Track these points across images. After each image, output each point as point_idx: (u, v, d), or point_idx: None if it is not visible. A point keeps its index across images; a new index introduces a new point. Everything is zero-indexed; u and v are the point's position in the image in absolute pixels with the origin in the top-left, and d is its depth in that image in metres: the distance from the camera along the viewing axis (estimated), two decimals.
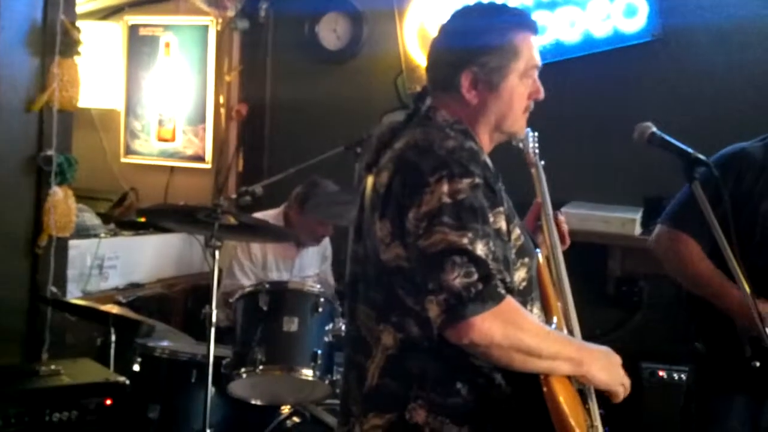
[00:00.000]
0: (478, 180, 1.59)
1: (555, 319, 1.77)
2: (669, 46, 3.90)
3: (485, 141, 1.77)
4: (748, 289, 1.91)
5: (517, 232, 1.72)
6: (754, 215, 2.45)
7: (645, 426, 3.53)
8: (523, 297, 1.70)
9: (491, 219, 1.61)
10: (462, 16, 1.80)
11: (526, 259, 1.75)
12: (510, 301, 1.55)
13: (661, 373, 3.63)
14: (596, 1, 3.96)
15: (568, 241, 2.09)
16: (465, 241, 1.53)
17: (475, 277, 1.51)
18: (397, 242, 1.63)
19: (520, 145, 2.05)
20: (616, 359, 1.70)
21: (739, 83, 3.70)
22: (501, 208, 1.65)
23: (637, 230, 3.75)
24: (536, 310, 1.75)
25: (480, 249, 1.54)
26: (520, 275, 1.71)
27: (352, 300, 1.79)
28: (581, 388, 1.68)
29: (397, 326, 1.65)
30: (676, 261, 2.56)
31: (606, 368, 1.67)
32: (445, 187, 1.56)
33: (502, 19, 1.76)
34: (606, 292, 4.00)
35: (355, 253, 1.78)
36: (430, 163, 1.60)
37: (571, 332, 1.81)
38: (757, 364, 2.42)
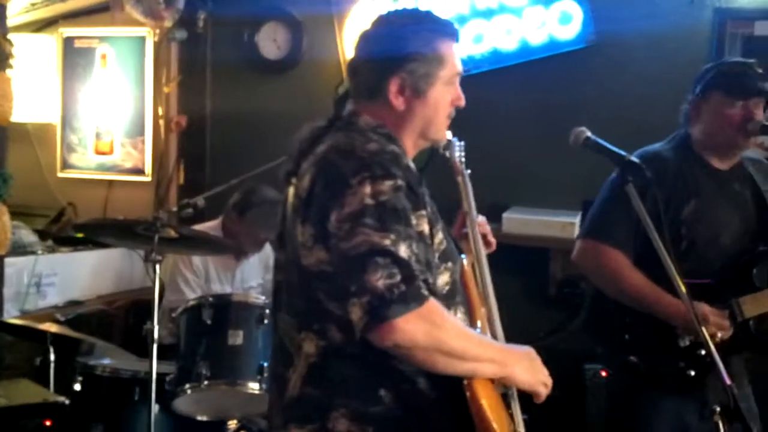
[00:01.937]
0: (400, 182, 1.60)
1: (479, 324, 1.78)
2: (603, 52, 3.98)
3: (408, 146, 1.78)
4: (683, 288, 1.94)
5: (440, 236, 1.72)
6: (677, 221, 2.48)
7: (588, 426, 3.59)
8: (447, 301, 1.69)
9: (414, 221, 1.61)
10: (387, 22, 1.81)
11: (450, 264, 1.74)
12: (433, 303, 1.55)
13: (603, 374, 3.68)
14: (532, 8, 4.03)
15: (493, 243, 2.09)
16: (387, 242, 1.53)
17: (398, 278, 1.51)
18: (319, 246, 1.61)
19: (447, 153, 2.05)
20: (538, 359, 1.72)
21: (672, 88, 3.76)
22: (423, 211, 1.65)
23: (577, 233, 3.81)
24: (460, 314, 1.75)
25: (403, 250, 1.53)
26: (443, 279, 1.71)
27: (275, 309, 1.79)
28: (505, 392, 1.69)
29: (319, 333, 1.64)
30: (605, 274, 2.55)
31: (528, 369, 1.68)
32: (368, 189, 1.56)
33: (427, 27, 1.77)
34: (548, 294, 4.06)
35: (278, 261, 1.79)
36: (352, 165, 1.60)
37: (495, 337, 1.81)
38: (693, 373, 2.46)
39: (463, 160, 2.09)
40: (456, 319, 1.68)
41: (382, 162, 1.61)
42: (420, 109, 1.76)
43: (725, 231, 2.53)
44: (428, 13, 1.83)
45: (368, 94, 1.76)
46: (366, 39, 1.81)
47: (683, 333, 2.45)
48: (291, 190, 1.73)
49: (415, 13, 1.83)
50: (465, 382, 1.58)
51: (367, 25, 1.83)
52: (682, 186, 2.51)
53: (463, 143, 2.09)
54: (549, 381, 1.72)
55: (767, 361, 2.59)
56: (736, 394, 1.86)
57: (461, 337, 1.59)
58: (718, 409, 1.99)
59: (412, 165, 1.72)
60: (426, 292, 1.54)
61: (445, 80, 1.76)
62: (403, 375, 1.62)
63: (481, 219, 2.08)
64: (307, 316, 1.66)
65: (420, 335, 1.51)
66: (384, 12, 1.85)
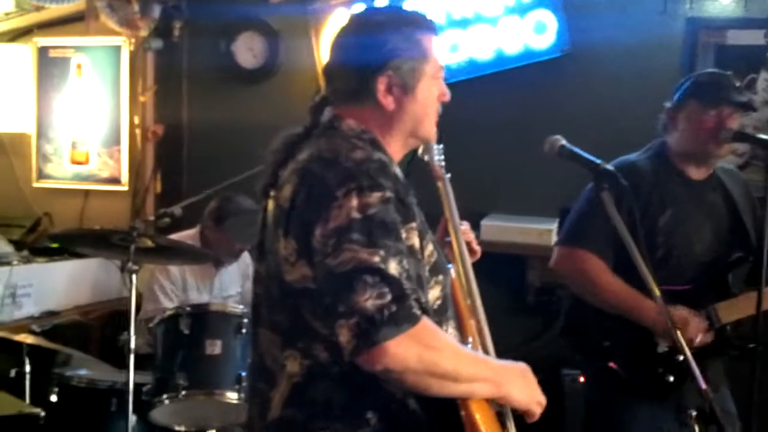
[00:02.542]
0: (388, 193, 1.50)
1: (470, 340, 1.72)
2: (578, 61, 4.01)
3: (396, 150, 1.70)
4: (657, 292, 1.96)
5: (430, 248, 1.63)
6: (654, 230, 2.51)
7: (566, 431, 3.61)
8: (438, 317, 1.62)
9: (404, 235, 1.52)
10: (365, 21, 1.74)
11: (440, 277, 1.66)
12: (426, 323, 1.46)
13: (581, 380, 3.71)
14: (507, 18, 4.05)
15: (478, 251, 2.06)
16: (376, 259, 1.43)
17: (389, 297, 1.41)
18: (302, 261, 1.52)
19: (425, 158, 1.99)
20: (532, 377, 1.65)
21: (645, 96, 3.82)
22: (414, 224, 1.57)
23: (554, 240, 3.83)
24: (451, 329, 1.69)
25: (393, 267, 1.44)
26: (434, 294, 1.63)
27: (254, 324, 1.70)
28: (499, 410, 1.63)
29: (304, 352, 1.55)
30: (583, 280, 2.58)
31: (523, 388, 1.61)
32: (354, 202, 1.47)
33: (406, 22, 1.71)
34: (526, 301, 4.08)
35: (258, 274, 1.70)
36: (336, 175, 1.51)
37: (485, 350, 1.76)
38: (671, 378, 2.49)
39: (443, 164, 2.05)
40: (449, 337, 1.60)
41: (369, 172, 1.52)
42: (410, 107, 1.68)
43: (700, 240, 2.57)
44: (402, 9, 1.79)
45: (352, 96, 1.67)
46: (345, 39, 1.72)
47: (661, 339, 2.48)
48: (270, 199, 1.65)
49: (390, 10, 1.80)
50: (459, 400, 1.52)
51: (343, 25, 1.75)
52: (658, 196, 2.55)
53: (442, 146, 2.05)
54: (543, 400, 1.65)
55: (745, 365, 2.62)
56: (712, 399, 1.88)
57: (455, 358, 1.49)
58: (694, 413, 2.02)
59: (400, 174, 1.64)
60: (418, 312, 1.45)
61: (431, 74, 1.69)
62: (392, 396, 1.54)
63: (465, 226, 2.02)
64: (291, 333, 1.57)
65: (412, 358, 1.42)
66: (358, 12, 1.79)
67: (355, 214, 1.46)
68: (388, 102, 1.66)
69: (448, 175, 2.03)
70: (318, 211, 1.49)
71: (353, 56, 1.68)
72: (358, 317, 1.41)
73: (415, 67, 1.67)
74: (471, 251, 2.00)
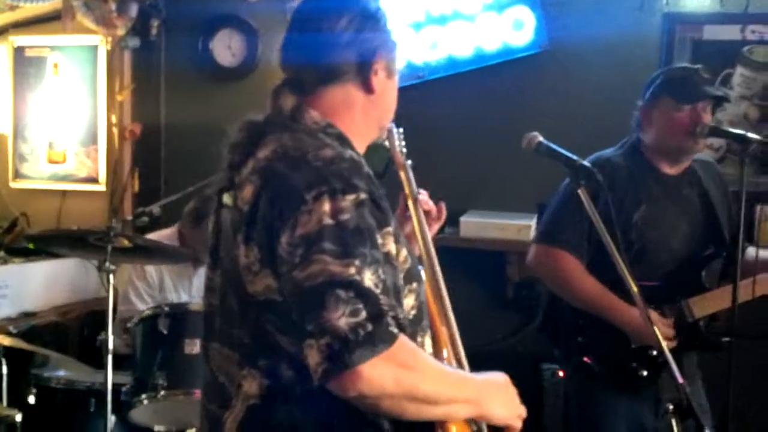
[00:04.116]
0: (363, 196, 1.36)
1: (445, 353, 1.59)
2: (556, 57, 4.03)
3: (360, 143, 1.57)
4: (635, 288, 1.97)
5: (404, 253, 1.49)
6: (629, 225, 2.52)
7: (545, 426, 3.62)
8: (413, 327, 1.49)
9: (379, 241, 1.38)
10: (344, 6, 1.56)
11: (414, 285, 1.52)
12: (403, 342, 1.32)
13: (561, 374, 3.72)
14: (485, 15, 4.06)
15: (442, 213, 1.85)
16: (351, 270, 1.29)
17: (363, 315, 1.27)
18: (267, 271, 1.37)
19: (386, 143, 1.82)
20: (513, 390, 1.54)
21: (623, 92, 3.81)
22: (389, 228, 1.43)
23: (533, 236, 3.85)
24: (427, 340, 1.56)
25: (368, 279, 1.30)
26: (408, 303, 1.49)
27: (206, 338, 1.54)
28: (476, 428, 1.53)
29: (266, 371, 1.40)
30: (558, 279, 2.59)
31: (505, 403, 1.50)
32: (326, 206, 1.32)
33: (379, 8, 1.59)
34: (505, 296, 4.09)
35: (210, 281, 1.54)
36: (305, 176, 1.36)
37: (459, 361, 1.61)
38: (645, 373, 2.50)
39: (404, 150, 1.89)
40: (427, 356, 1.45)
41: (342, 172, 1.37)
42: (390, 93, 1.59)
43: (674, 235, 2.58)
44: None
45: (326, 78, 1.51)
46: (333, 16, 1.53)
47: (633, 339, 2.49)
48: (227, 199, 1.50)
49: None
50: (437, 423, 1.41)
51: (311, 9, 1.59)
52: (632, 191, 2.56)
53: (402, 130, 1.89)
54: (524, 412, 1.55)
55: (719, 358, 2.64)
56: (689, 392, 1.90)
57: (434, 379, 1.36)
58: (671, 407, 2.03)
59: (371, 173, 1.48)
60: (396, 330, 1.30)
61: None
62: (364, 418, 1.39)
63: (423, 195, 1.85)
64: (252, 351, 1.42)
65: (389, 383, 1.29)
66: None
67: (327, 220, 1.32)
68: (375, 86, 1.54)
69: (409, 162, 1.89)
70: (284, 216, 1.34)
71: (344, 34, 1.52)
72: (329, 337, 1.27)
73: (395, 51, 1.60)
74: (438, 217, 1.85)
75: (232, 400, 1.44)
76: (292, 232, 1.33)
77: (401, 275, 1.47)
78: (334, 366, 1.26)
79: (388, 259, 1.40)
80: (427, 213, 1.82)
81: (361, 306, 1.28)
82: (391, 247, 1.43)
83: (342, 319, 1.27)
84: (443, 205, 1.87)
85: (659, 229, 2.56)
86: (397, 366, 1.30)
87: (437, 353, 1.57)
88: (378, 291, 1.31)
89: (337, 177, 1.36)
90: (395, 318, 1.32)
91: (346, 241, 1.31)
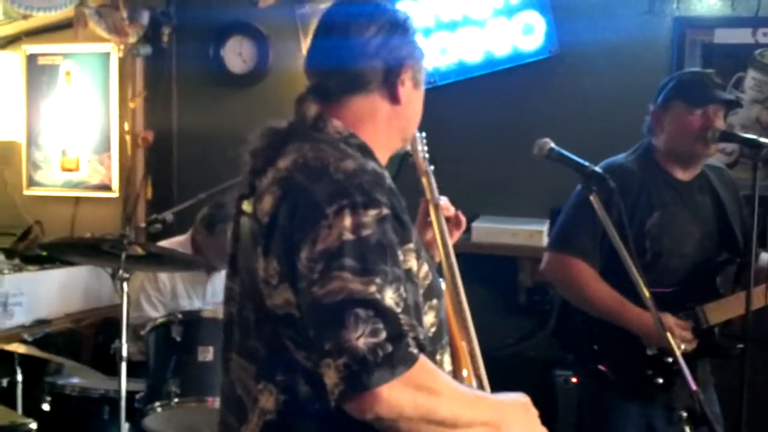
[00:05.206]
0: (385, 211, 1.32)
1: (464, 372, 1.57)
2: (566, 62, 4.02)
3: (382, 154, 1.54)
4: (648, 294, 1.97)
5: (425, 269, 1.45)
6: (641, 232, 2.51)
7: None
8: (433, 346, 1.46)
9: (401, 257, 1.34)
10: (376, 10, 1.54)
11: (434, 301, 1.48)
12: (423, 363, 1.29)
13: (574, 380, 3.71)
14: (495, 20, 4.06)
15: (462, 222, 1.86)
16: (372, 289, 1.26)
17: (383, 335, 1.24)
18: (286, 285, 1.34)
19: (408, 147, 1.79)
20: (534, 412, 1.50)
21: (634, 96, 3.80)
22: (411, 244, 1.40)
23: (545, 241, 3.84)
24: (447, 357, 1.53)
25: (389, 297, 1.27)
26: (428, 321, 1.46)
27: (225, 348, 1.53)
28: None
29: (282, 386, 1.37)
30: (571, 286, 2.58)
31: (525, 426, 1.45)
32: (347, 221, 1.29)
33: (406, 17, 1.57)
34: (518, 302, 4.09)
35: (230, 291, 1.53)
36: (326, 189, 1.32)
37: (479, 379, 1.59)
38: (661, 380, 2.49)
39: (427, 156, 1.87)
40: (447, 378, 1.40)
41: (363, 185, 1.33)
42: (415, 104, 1.56)
43: (688, 241, 2.57)
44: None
45: (351, 86, 1.48)
46: (361, 22, 1.51)
47: (650, 345, 2.48)
48: (247, 206, 1.47)
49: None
50: None
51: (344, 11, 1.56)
52: (645, 198, 2.55)
53: (424, 134, 1.89)
54: None
55: (733, 366, 2.63)
56: (703, 400, 1.89)
57: (454, 402, 1.32)
58: (684, 414, 2.03)
59: (393, 185, 1.44)
60: (415, 351, 1.27)
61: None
62: None
63: (444, 201, 1.84)
64: (269, 364, 1.39)
65: (408, 405, 1.26)
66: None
67: (348, 236, 1.28)
68: (402, 96, 1.51)
69: (432, 167, 1.87)
70: (304, 230, 1.31)
71: (374, 41, 1.49)
72: (347, 357, 1.23)
73: (423, 64, 1.57)
74: (456, 224, 1.85)
75: (249, 413, 1.42)
76: (312, 247, 1.29)
77: (421, 291, 1.43)
78: (351, 387, 1.24)
79: (409, 276, 1.37)
80: (447, 219, 1.81)
81: (381, 326, 1.25)
82: (413, 263, 1.40)
83: (361, 339, 1.24)
84: (461, 214, 1.86)
85: (673, 236, 2.54)
86: (415, 389, 1.26)
87: (457, 371, 1.55)
88: (399, 310, 1.28)
89: (358, 190, 1.33)
90: (415, 338, 1.28)
91: (367, 257, 1.28)
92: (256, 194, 1.43)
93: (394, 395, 1.25)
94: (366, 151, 1.48)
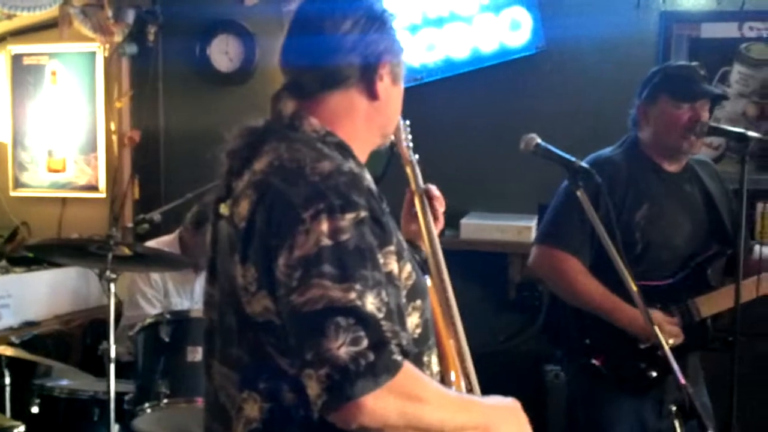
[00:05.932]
0: (363, 213, 1.29)
1: (453, 375, 1.54)
2: (553, 58, 4.03)
3: (362, 151, 1.50)
4: (635, 288, 1.98)
5: (407, 269, 1.42)
6: (630, 225, 2.51)
7: (548, 427, 3.61)
8: (419, 347, 1.43)
9: (381, 261, 1.31)
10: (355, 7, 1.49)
11: (419, 302, 1.45)
12: (407, 370, 1.26)
13: (563, 375, 3.72)
14: (482, 16, 4.05)
15: (440, 207, 1.84)
16: (352, 295, 1.23)
17: (365, 344, 1.21)
18: (264, 292, 1.31)
19: (392, 137, 1.73)
20: (523, 416, 1.48)
21: (621, 91, 3.81)
22: (391, 246, 1.36)
23: (533, 237, 3.84)
24: (434, 358, 1.50)
25: (370, 303, 1.24)
26: (412, 322, 1.42)
27: (207, 354, 1.49)
28: None
29: (266, 394, 1.34)
30: (560, 280, 2.57)
31: (515, 429, 1.44)
32: (324, 226, 1.26)
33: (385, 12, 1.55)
34: (507, 298, 4.09)
35: (210, 297, 1.48)
36: (302, 192, 1.29)
37: (468, 379, 1.58)
38: (654, 374, 2.49)
39: (411, 144, 1.83)
40: (433, 383, 1.38)
41: (340, 188, 1.30)
42: (395, 100, 1.52)
43: (678, 233, 2.57)
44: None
45: (327, 83, 1.45)
46: (336, 18, 1.46)
47: (641, 339, 2.48)
48: (224, 209, 1.43)
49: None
50: None
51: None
52: (633, 190, 2.55)
53: (408, 122, 1.84)
54: None
55: (723, 358, 2.64)
56: (692, 394, 1.90)
57: (440, 408, 1.30)
58: (674, 408, 2.03)
59: (372, 185, 1.42)
60: (399, 357, 1.25)
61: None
62: None
63: (433, 189, 1.82)
64: (252, 372, 1.36)
65: (392, 414, 1.23)
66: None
67: (326, 241, 1.25)
68: (380, 92, 1.48)
69: (416, 157, 1.84)
70: (281, 236, 1.28)
71: (349, 36, 1.45)
72: (329, 367, 1.21)
73: (402, 58, 1.54)
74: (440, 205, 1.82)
75: (233, 421, 1.39)
76: (290, 254, 1.26)
77: (404, 292, 1.40)
78: (334, 398, 1.21)
79: (390, 279, 1.33)
80: (432, 205, 1.79)
81: (362, 334, 1.22)
82: (394, 266, 1.36)
83: (342, 348, 1.21)
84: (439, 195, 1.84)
85: (662, 228, 2.54)
86: (400, 397, 1.24)
87: (444, 372, 1.53)
88: (381, 316, 1.25)
89: (335, 193, 1.29)
90: (399, 345, 1.26)
91: (346, 263, 1.25)
92: (233, 197, 1.40)
93: (379, 404, 1.22)
94: (344, 149, 1.44)
